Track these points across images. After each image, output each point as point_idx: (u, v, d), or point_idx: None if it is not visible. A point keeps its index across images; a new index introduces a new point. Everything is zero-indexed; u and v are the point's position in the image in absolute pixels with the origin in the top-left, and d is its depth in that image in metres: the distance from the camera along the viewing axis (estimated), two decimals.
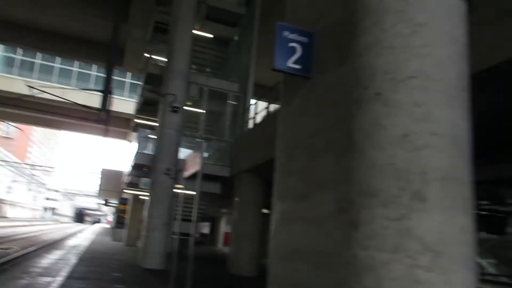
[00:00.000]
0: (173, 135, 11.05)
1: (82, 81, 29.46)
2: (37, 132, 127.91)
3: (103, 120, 13.26)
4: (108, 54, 13.66)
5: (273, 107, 11.83)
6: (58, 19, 17.31)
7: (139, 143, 12.74)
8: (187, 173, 7.80)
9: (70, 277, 7.42)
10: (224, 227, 30.02)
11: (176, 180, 11.31)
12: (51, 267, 8.85)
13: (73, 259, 10.70)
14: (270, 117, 10.72)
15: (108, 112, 13.22)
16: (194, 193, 13.95)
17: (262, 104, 13.37)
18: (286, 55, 2.62)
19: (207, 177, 13.38)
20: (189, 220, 16.22)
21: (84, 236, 29.01)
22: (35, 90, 14.80)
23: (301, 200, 2.57)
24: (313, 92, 2.62)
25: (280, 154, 3.00)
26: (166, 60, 12.02)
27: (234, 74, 14.24)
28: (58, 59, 28.98)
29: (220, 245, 28.82)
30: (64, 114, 20.75)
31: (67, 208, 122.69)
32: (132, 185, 14.25)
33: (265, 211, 19.54)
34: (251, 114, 13.81)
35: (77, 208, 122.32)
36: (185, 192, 14.20)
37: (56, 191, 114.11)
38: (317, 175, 2.49)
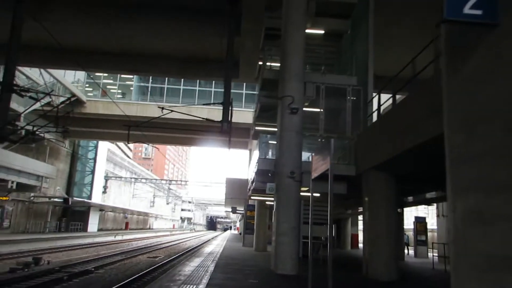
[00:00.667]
0: (294, 137, 10.74)
1: (203, 99, 31.73)
2: (171, 151, 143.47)
3: (225, 131, 13.70)
4: (225, 69, 14.12)
5: (397, 97, 10.69)
6: (176, 45, 18.72)
7: (260, 149, 12.80)
8: (314, 174, 7.33)
9: (210, 284, 7.55)
10: (350, 229, 28.94)
11: (301, 182, 10.98)
12: (193, 274, 9.24)
13: (211, 266, 11.11)
14: (398, 106, 9.64)
15: (230, 122, 13.63)
16: (319, 195, 13.48)
17: (384, 97, 12.27)
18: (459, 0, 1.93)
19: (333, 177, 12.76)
20: (319, 224, 15.80)
21: (217, 242, 30.88)
22: (165, 111, 16.17)
23: (502, 192, 1.85)
24: (505, 44, 1.90)
25: (454, 134, 2.30)
26: (280, 64, 11.83)
27: (351, 68, 13.40)
28: (182, 81, 31.88)
29: (348, 248, 27.80)
30: (191, 130, 22.36)
31: (200, 217, 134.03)
32: (257, 191, 14.40)
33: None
34: (374, 107, 12.77)
35: (209, 216, 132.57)
36: (312, 194, 13.81)
37: (190, 202, 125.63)
38: None
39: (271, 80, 12.77)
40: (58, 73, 27.82)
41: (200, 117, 14.58)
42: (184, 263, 12.37)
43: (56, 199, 34.39)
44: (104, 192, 50.39)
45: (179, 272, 9.60)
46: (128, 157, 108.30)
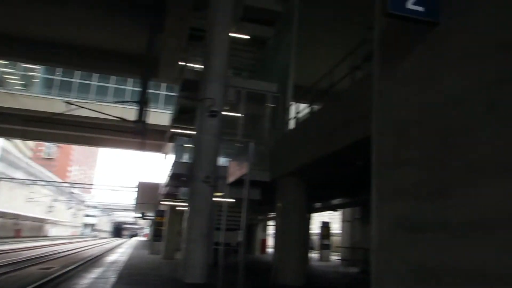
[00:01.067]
0: (212, 140, 10.43)
1: (118, 97, 29.67)
2: (77, 152, 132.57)
3: (140, 131, 12.86)
4: (144, 66, 13.33)
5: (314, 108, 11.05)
6: (93, 34, 17.26)
7: (176, 152, 12.24)
8: (231, 178, 7.11)
9: None
10: (260, 234, 29.34)
11: (216, 188, 10.67)
12: (91, 287, 8.32)
13: (112, 277, 10.21)
14: (315, 115, 9.90)
15: (145, 123, 12.84)
16: (233, 200, 13.30)
17: (301, 106, 12.61)
18: None
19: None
20: (231, 229, 15.60)
21: (122, 250, 28.99)
22: (72, 106, 14.72)
23: (435, 199, 1.77)
24: (446, 42, 1.84)
25: (383, 138, 2.21)
26: (203, 65, 11.47)
27: (272, 75, 13.54)
28: (95, 77, 29.41)
29: (257, 253, 28.10)
30: (102, 129, 20.74)
31: (105, 224, 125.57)
32: (170, 196, 13.75)
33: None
34: (291, 115, 13.04)
35: (115, 223, 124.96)
36: (226, 200, 13.57)
37: (95, 207, 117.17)
38: (470, 157, 1.67)
39: (192, 81, 12.33)
40: None
41: (112, 116, 13.49)
42: (82, 275, 11.22)
43: None
44: None
45: (74, 285, 8.60)
46: (28, 157, 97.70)
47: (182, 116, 14.93)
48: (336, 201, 15.51)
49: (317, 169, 9.94)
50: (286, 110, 12.98)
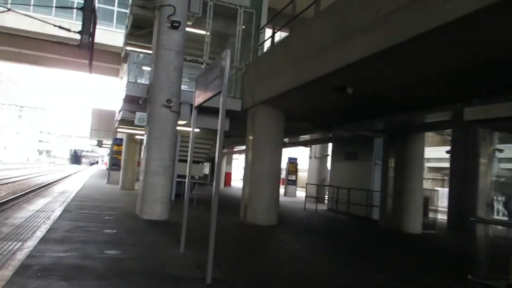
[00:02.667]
0: (173, 57, 8.73)
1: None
2: (26, 72, 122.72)
3: (85, 46, 10.77)
4: None
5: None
6: None
7: (129, 71, 10.38)
8: (196, 102, 5.70)
9: (45, 240, 5.52)
10: (225, 167, 28.81)
11: (179, 114, 9.21)
12: (25, 224, 6.98)
13: (57, 210, 8.87)
14: (297, 32, 8.35)
15: (92, 36, 10.74)
16: (198, 130, 11.91)
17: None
18: None
19: (213, 112, 11.27)
20: (196, 162, 14.42)
21: (78, 178, 27.47)
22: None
23: None
24: None
25: None
26: None
27: None
28: None
29: (221, 186, 27.74)
30: (41, 42, 17.95)
31: (63, 150, 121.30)
32: (125, 122, 12.11)
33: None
34: (267, 35, 11.40)
35: (73, 150, 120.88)
36: (191, 129, 12.18)
37: (49, 133, 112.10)
38: None
39: None
40: None
41: (51, 24, 11.17)
42: (22, 206, 9.81)
43: None
44: None
45: (6, 220, 7.23)
46: None
47: (138, 32, 12.81)
48: (308, 136, 14.53)
49: (298, 97, 8.65)
50: (260, 29, 11.28)
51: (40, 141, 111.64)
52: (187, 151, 12.91)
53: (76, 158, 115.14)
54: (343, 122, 10.94)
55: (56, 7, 17.64)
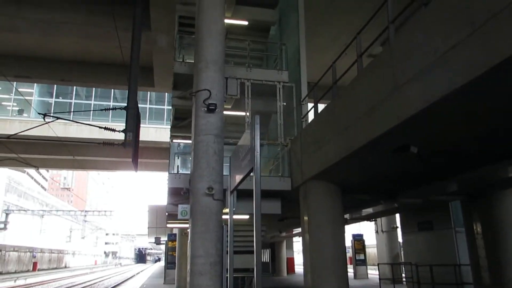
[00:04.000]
0: (212, 141, 8.20)
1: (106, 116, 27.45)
2: (95, 180, 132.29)
3: (131, 144, 10.75)
4: (130, 65, 11.31)
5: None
6: (75, 44, 15.44)
7: (170, 162, 10.03)
8: (232, 186, 4.93)
9: None
10: (285, 253, 27.00)
11: (224, 202, 8.41)
12: None
13: None
14: (343, 93, 7.59)
15: (137, 132, 10.78)
16: (247, 217, 10.96)
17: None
18: None
19: (263, 195, 10.42)
20: (249, 252, 13.24)
21: (139, 280, 26.85)
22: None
23: None
24: None
25: None
26: (194, 53, 9.35)
27: (281, 63, 11.36)
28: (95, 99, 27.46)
29: (284, 274, 25.70)
30: (89, 147, 18.78)
31: (128, 250, 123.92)
32: (173, 217, 11.52)
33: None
34: (309, 106, 10.79)
35: (137, 248, 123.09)
36: (240, 217, 11.27)
37: (115, 234, 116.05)
38: None
39: (185, 75, 10.26)
40: None
41: (97, 126, 11.45)
42: None
43: None
44: (4, 228, 43.09)
45: None
46: (43, 188, 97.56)
47: (181, 123, 12.81)
48: (372, 209, 13.01)
49: (352, 166, 7.62)
50: (302, 101, 10.74)
51: (106, 243, 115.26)
52: (238, 241, 11.93)
53: (141, 256, 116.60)
54: (410, 187, 9.54)
55: (95, 110, 18.71)
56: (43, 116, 11.08)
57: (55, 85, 25.23)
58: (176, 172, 9.93)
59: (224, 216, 10.17)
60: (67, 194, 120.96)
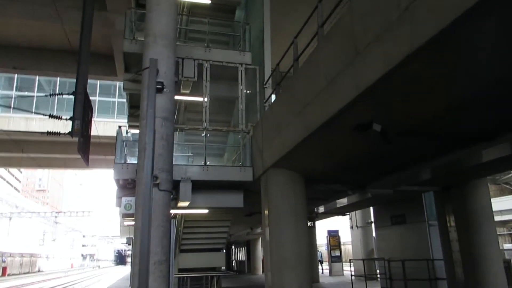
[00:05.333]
0: (160, 125, 7.29)
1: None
2: (68, 179, 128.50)
3: (81, 134, 9.69)
4: (80, 47, 10.25)
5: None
6: (26, 27, 14.20)
7: (116, 149, 9.04)
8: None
9: None
10: (260, 251, 26.32)
11: (172, 192, 7.51)
12: None
13: None
14: (303, 67, 6.80)
15: (86, 123, 9.73)
16: (206, 211, 10.07)
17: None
18: None
19: (223, 187, 9.57)
20: (213, 250, 12.37)
21: (109, 282, 25.65)
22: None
23: None
24: None
25: None
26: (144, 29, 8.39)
27: (243, 45, 10.53)
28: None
29: (259, 272, 25.03)
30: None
31: (107, 252, 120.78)
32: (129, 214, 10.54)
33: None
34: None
35: (116, 250, 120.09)
36: (196, 211, 10.37)
37: (93, 236, 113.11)
38: None
39: (136, 55, 9.29)
40: None
41: (40, 113, 10.35)
42: None
43: None
44: None
45: None
46: (16, 189, 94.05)
47: (138, 112, 11.83)
48: (342, 202, 12.31)
49: (313, 151, 6.84)
50: (264, 84, 9.93)
51: (83, 245, 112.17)
52: (196, 238, 11.03)
53: (120, 258, 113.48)
54: (379, 177, 8.85)
55: (39, 96, 17.52)
56: None
57: (16, 77, 23.69)
58: (123, 162, 8.95)
59: (173, 210, 9.26)
60: (43, 196, 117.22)
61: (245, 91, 9.88)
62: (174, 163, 7.86)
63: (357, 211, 17.85)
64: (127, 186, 8.68)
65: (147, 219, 6.61)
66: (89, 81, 9.88)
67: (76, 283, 34.10)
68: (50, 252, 73.53)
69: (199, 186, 8.93)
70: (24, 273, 57.92)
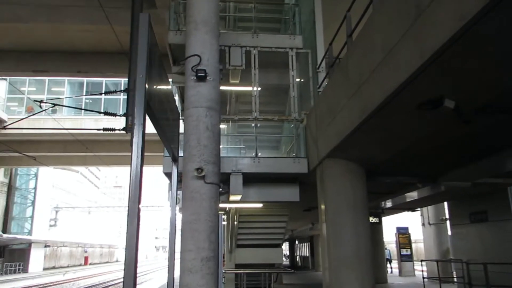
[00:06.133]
0: (203, 115, 6.90)
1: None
2: (146, 175, 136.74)
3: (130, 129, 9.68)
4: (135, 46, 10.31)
5: None
6: (86, 33, 14.77)
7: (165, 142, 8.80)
8: None
9: None
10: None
11: (219, 185, 7.10)
12: None
13: None
14: (358, 40, 5.98)
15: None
16: (261, 205, 9.57)
17: None
18: None
19: (277, 180, 9.00)
20: (271, 245, 11.90)
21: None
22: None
23: None
24: None
25: None
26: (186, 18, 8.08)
27: (293, 29, 9.85)
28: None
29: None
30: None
31: (177, 244, 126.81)
32: None
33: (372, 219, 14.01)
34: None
35: None
36: (252, 205, 9.91)
37: (164, 229, 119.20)
38: None
39: (182, 46, 9.04)
40: None
41: (95, 111, 10.55)
42: None
43: None
44: (54, 225, 44.85)
45: None
46: (96, 186, 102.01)
47: None
48: (412, 195, 11.11)
49: (373, 137, 6.01)
50: (317, 68, 9.17)
51: (156, 238, 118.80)
52: (252, 233, 10.57)
53: None
54: (454, 167, 7.68)
55: (93, 95, 18.11)
56: (39, 103, 10.39)
57: (85, 82, 25.24)
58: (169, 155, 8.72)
59: (225, 204, 8.91)
60: (119, 191, 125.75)
61: (297, 77, 9.20)
62: (226, 155, 7.49)
63: (429, 207, 16.28)
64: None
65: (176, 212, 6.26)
66: None
67: (150, 272, 35.94)
68: (122, 244, 78.63)
69: (251, 179, 8.47)
70: (104, 262, 62.61)
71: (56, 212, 45.68)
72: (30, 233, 36.77)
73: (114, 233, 75.92)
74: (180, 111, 13.50)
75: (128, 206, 3.12)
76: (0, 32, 14.52)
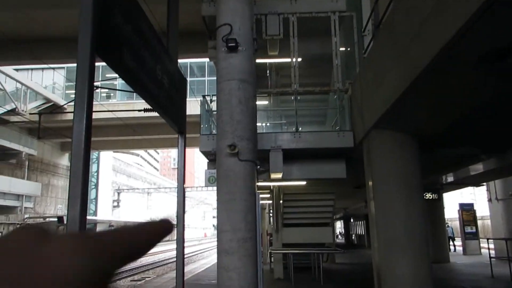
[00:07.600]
0: (235, 88, 6.47)
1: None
2: (198, 158, 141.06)
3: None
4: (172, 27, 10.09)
5: None
6: None
7: (201, 121, 8.50)
8: None
9: None
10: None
11: (256, 163, 6.69)
12: None
13: None
14: None
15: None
16: (304, 183, 9.08)
17: None
18: None
19: (322, 155, 8.43)
20: (319, 224, 11.39)
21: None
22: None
23: None
24: None
25: None
26: None
27: None
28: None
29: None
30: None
31: None
32: None
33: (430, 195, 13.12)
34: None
35: None
36: (292, 183, 9.44)
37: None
38: None
39: (215, 19, 8.61)
40: (23, 75, 24.80)
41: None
42: None
43: (52, 219, 31.53)
44: (117, 206, 47.58)
45: None
46: (156, 168, 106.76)
47: None
48: (476, 168, 9.97)
49: (425, 102, 5.24)
50: (363, 32, 8.31)
51: (213, 217, 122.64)
52: (299, 212, 10.13)
53: None
54: None
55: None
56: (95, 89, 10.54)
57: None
58: (208, 133, 8.44)
59: (267, 183, 8.54)
60: (175, 173, 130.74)
61: (341, 45, 8.44)
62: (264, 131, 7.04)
63: (496, 181, 14.78)
64: (213, 158, 8.19)
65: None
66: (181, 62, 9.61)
67: (209, 250, 37.13)
68: (185, 222, 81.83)
69: (292, 156, 8.00)
70: (165, 241, 65.76)
71: (118, 194, 48.33)
72: (95, 214, 39.24)
73: (171, 213, 79.37)
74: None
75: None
76: (51, 21, 14.96)
